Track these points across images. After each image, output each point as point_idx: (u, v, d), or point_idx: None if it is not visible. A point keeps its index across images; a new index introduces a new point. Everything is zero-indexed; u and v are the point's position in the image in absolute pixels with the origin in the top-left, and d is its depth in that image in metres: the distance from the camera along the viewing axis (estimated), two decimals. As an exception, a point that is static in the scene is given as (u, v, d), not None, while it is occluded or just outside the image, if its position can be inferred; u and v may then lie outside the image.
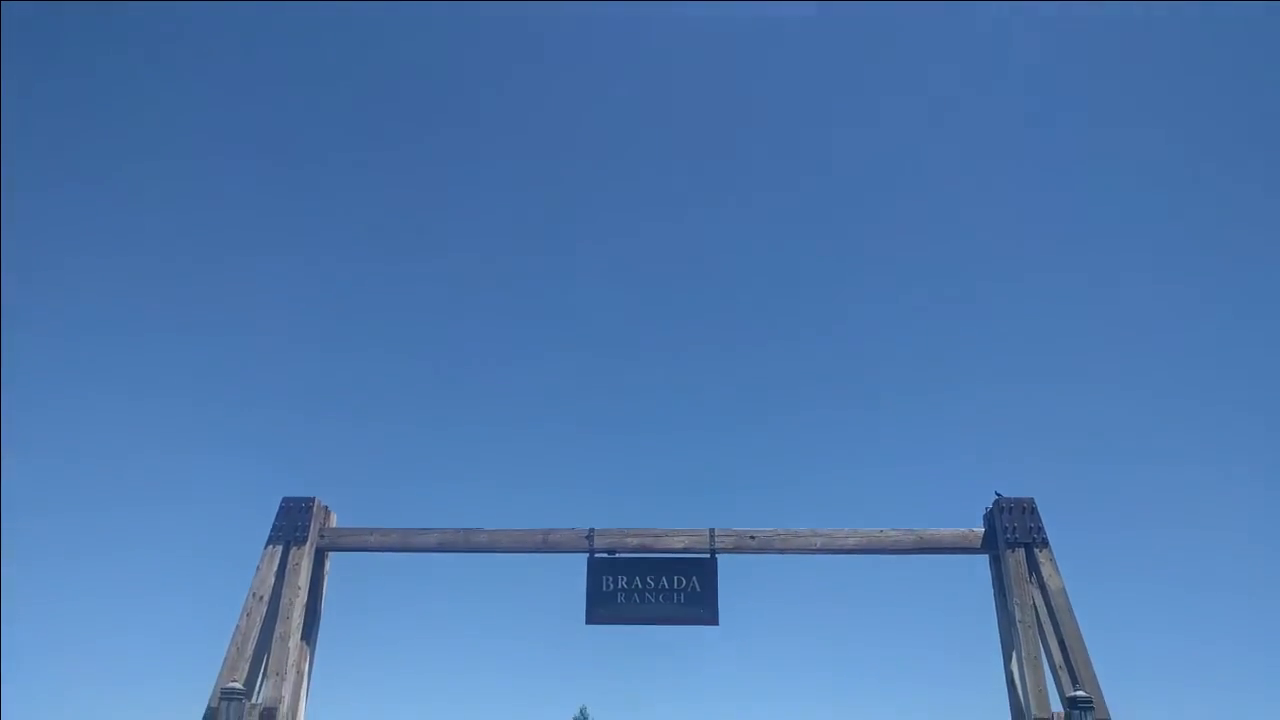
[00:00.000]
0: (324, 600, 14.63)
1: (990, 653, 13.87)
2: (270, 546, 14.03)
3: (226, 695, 12.49)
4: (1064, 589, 13.15)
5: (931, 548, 14.18)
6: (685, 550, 14.15)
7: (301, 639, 13.74)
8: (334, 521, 14.78)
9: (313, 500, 14.40)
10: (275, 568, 13.85)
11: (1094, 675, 12.49)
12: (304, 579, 13.84)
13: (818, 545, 14.15)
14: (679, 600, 13.86)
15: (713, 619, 13.83)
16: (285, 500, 14.46)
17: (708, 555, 14.05)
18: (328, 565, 14.81)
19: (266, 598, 13.65)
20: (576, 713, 61.23)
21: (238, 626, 13.39)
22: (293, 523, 14.20)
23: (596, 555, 14.09)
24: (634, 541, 14.25)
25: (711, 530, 14.19)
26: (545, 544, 14.39)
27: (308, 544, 14.04)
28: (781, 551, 14.28)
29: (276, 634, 13.41)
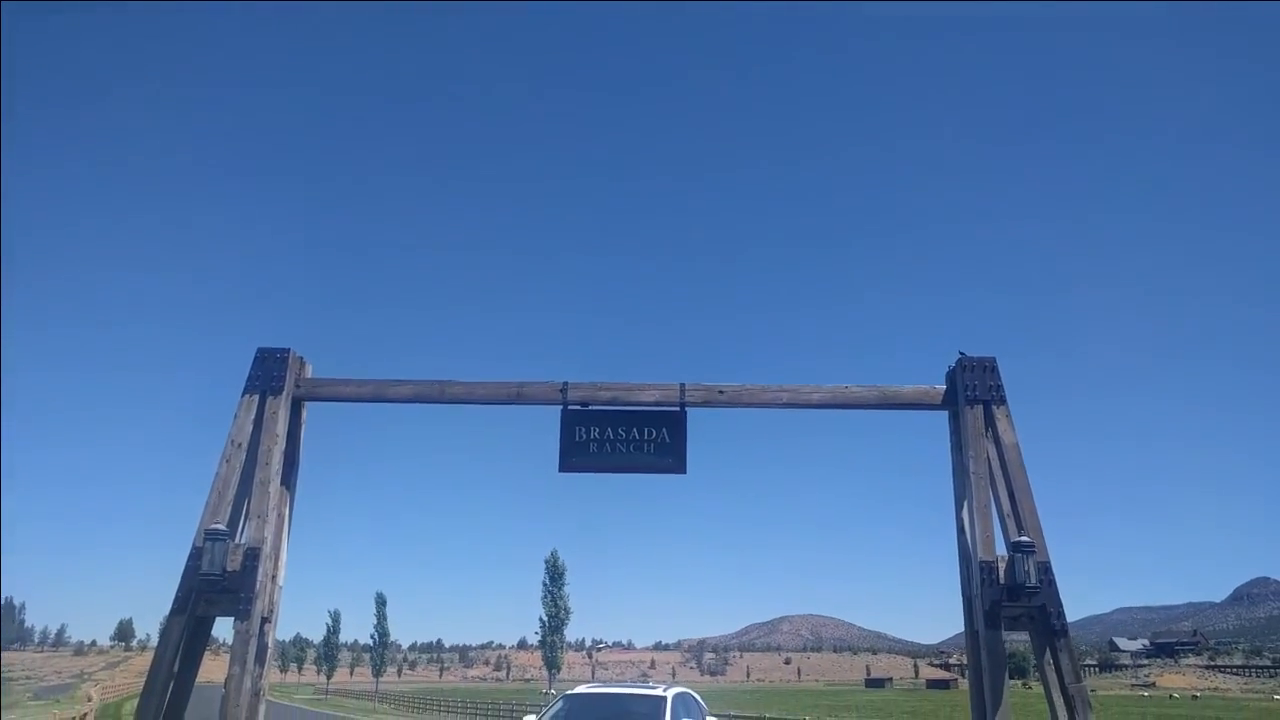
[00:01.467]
0: (301, 448, 14.96)
1: (943, 504, 14.62)
2: (247, 396, 14.22)
3: (211, 536, 12.93)
4: (1017, 444, 13.75)
5: (894, 403, 14.65)
6: (656, 403, 14.51)
7: (281, 484, 14.12)
8: (309, 372, 14.94)
9: (288, 351, 14.50)
10: (253, 416, 14.09)
11: (1038, 523, 13.26)
12: (281, 427, 14.10)
13: (784, 400, 14.56)
14: (649, 450, 14.32)
15: (680, 468, 14.35)
16: (260, 351, 14.55)
17: (677, 408, 14.43)
18: (304, 415, 15.07)
19: (245, 445, 13.94)
20: (548, 555, 64.25)
21: (218, 473, 13.73)
22: (268, 373, 14.34)
23: (570, 408, 14.41)
24: (606, 395, 14.57)
25: (682, 385, 14.53)
26: (519, 396, 14.68)
27: (284, 394, 14.23)
28: (749, 405, 14.69)
29: (256, 480, 13.78)
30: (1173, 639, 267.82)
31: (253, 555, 13.24)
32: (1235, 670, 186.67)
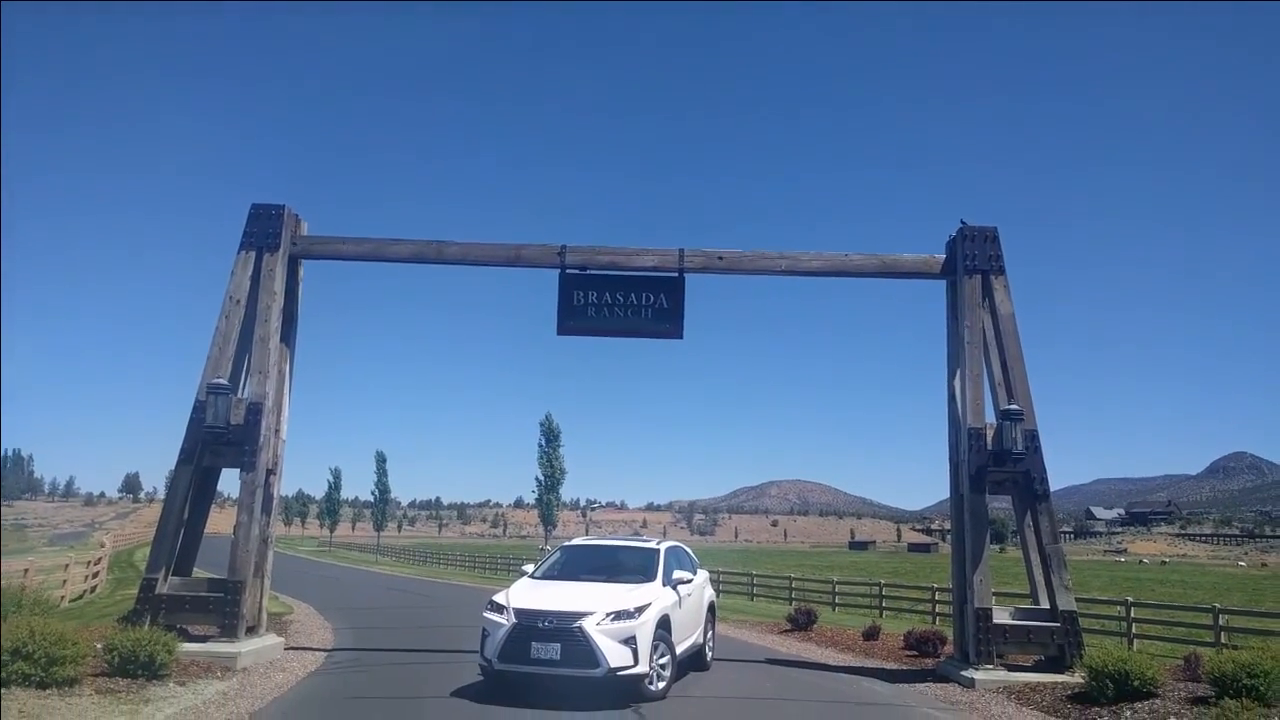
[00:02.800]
0: (300, 306, 14.99)
1: (935, 373, 14.79)
2: (243, 253, 14.12)
3: (213, 390, 13.11)
4: (1013, 314, 13.82)
5: (893, 272, 14.63)
6: (654, 269, 14.47)
7: (281, 341, 14.22)
8: (305, 230, 14.80)
9: (283, 208, 14.31)
10: (250, 273, 14.04)
11: (1028, 391, 13.48)
12: (279, 285, 14.07)
13: (783, 267, 14.52)
14: (646, 315, 14.36)
15: (678, 333, 14.44)
16: (255, 207, 14.36)
17: (676, 274, 14.39)
18: (301, 273, 15.02)
19: (243, 302, 13.95)
20: (543, 418, 65.42)
21: (218, 328, 13.80)
22: (264, 229, 14.20)
23: (568, 271, 14.36)
24: (604, 259, 14.50)
25: (681, 250, 14.44)
26: (517, 258, 14.61)
27: (280, 251, 14.14)
28: (748, 272, 14.66)
29: (256, 336, 13.86)
30: (1147, 509, 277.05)
31: (255, 410, 13.47)
32: (1205, 539, 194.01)
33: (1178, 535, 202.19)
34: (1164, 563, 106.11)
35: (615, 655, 9.81)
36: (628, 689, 10.00)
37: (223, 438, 13.22)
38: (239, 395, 13.68)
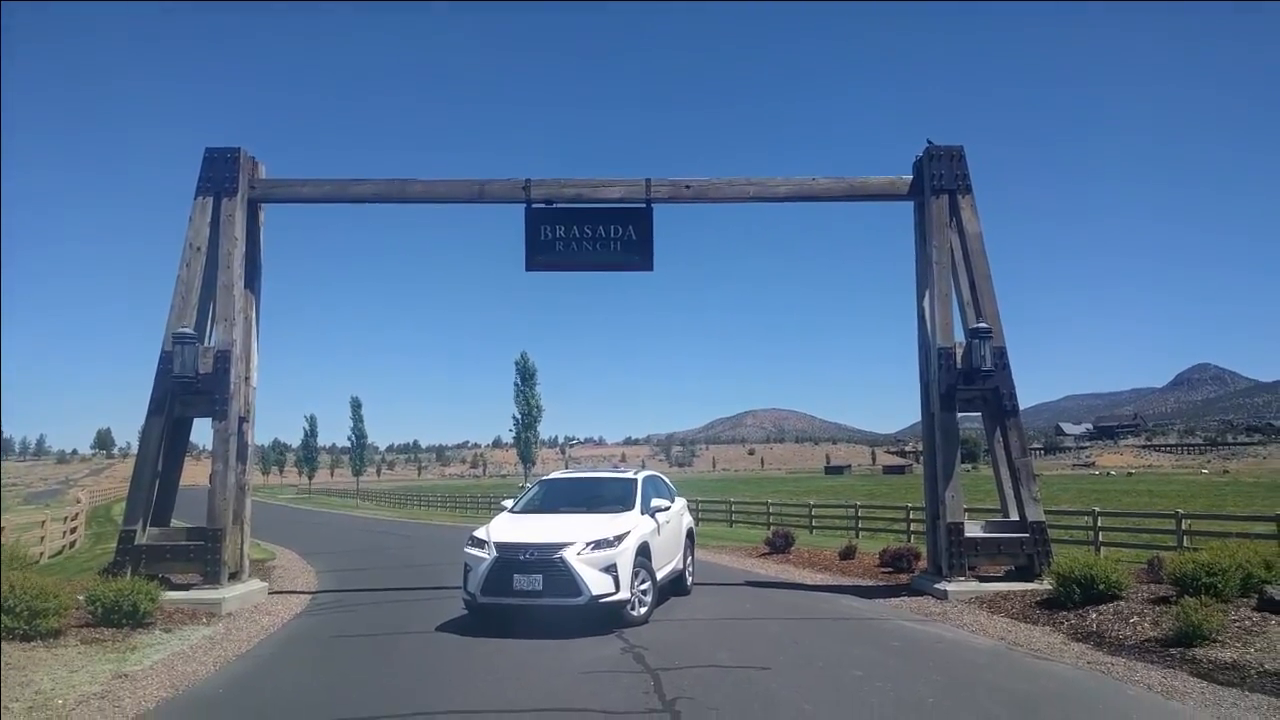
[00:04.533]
0: (263, 251, 14.74)
1: (906, 297, 14.88)
2: (200, 198, 13.82)
3: (179, 339, 12.94)
4: (980, 233, 13.88)
5: (861, 194, 14.59)
6: (621, 200, 14.33)
7: (245, 288, 14.01)
8: (263, 173, 14.47)
9: (238, 150, 13.97)
10: (209, 219, 13.75)
11: (996, 310, 13.61)
12: (240, 230, 13.81)
13: (751, 193, 14.43)
14: (615, 248, 14.26)
15: (647, 265, 14.37)
16: (209, 150, 14.00)
17: (643, 204, 14.27)
18: (262, 217, 14.74)
19: (204, 249, 13.69)
20: (517, 357, 65.43)
21: (179, 276, 13.55)
22: (220, 174, 13.87)
23: (534, 205, 14.18)
24: (571, 192, 14.33)
25: (647, 180, 14.29)
26: (482, 194, 14.41)
27: (239, 195, 13.84)
28: (716, 200, 14.56)
29: (219, 283, 13.64)
30: (1114, 422, 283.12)
31: (223, 358, 13.33)
32: (1170, 449, 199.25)
33: (1144, 447, 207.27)
34: (1130, 474, 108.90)
35: (597, 583, 9.98)
36: (610, 615, 10.21)
37: (192, 387, 13.10)
38: (206, 344, 13.51)
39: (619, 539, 10.41)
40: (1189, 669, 8.09)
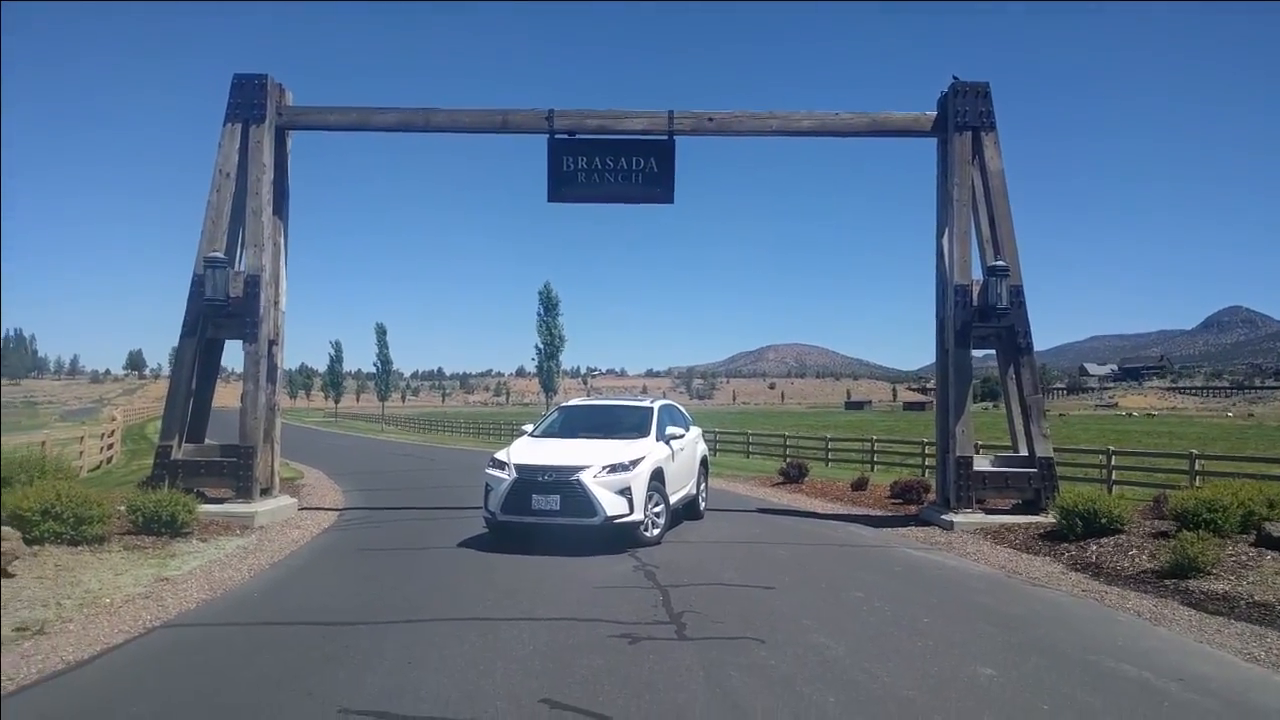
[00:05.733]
0: (290, 178, 14.95)
1: (928, 233, 14.89)
2: (229, 125, 14.00)
3: (210, 263, 13.27)
4: (1002, 171, 13.83)
5: (884, 130, 14.53)
6: (644, 132, 14.36)
7: (274, 214, 14.28)
8: (290, 100, 14.61)
9: (265, 77, 14.09)
10: (238, 145, 13.96)
11: (1015, 248, 13.64)
12: (268, 157, 14.02)
13: (774, 127, 14.41)
14: (637, 180, 14.35)
15: (669, 198, 14.47)
16: (237, 77, 14.14)
17: (665, 137, 14.29)
18: (289, 144, 14.91)
19: (233, 175, 13.93)
20: (541, 288, 65.64)
21: (210, 202, 13.83)
22: (248, 100, 14.03)
23: (557, 136, 14.25)
24: (593, 123, 14.37)
25: (670, 112, 14.29)
26: (505, 124, 14.48)
27: (266, 122, 14.01)
28: (738, 133, 14.55)
29: (248, 209, 13.91)
30: (1140, 364, 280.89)
31: (253, 282, 13.68)
32: (1195, 391, 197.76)
33: (1169, 389, 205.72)
34: (1151, 415, 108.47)
35: (611, 505, 10.39)
36: (624, 536, 10.64)
37: (223, 310, 13.49)
38: (236, 269, 13.85)
39: (634, 463, 10.78)
40: (1180, 599, 8.39)
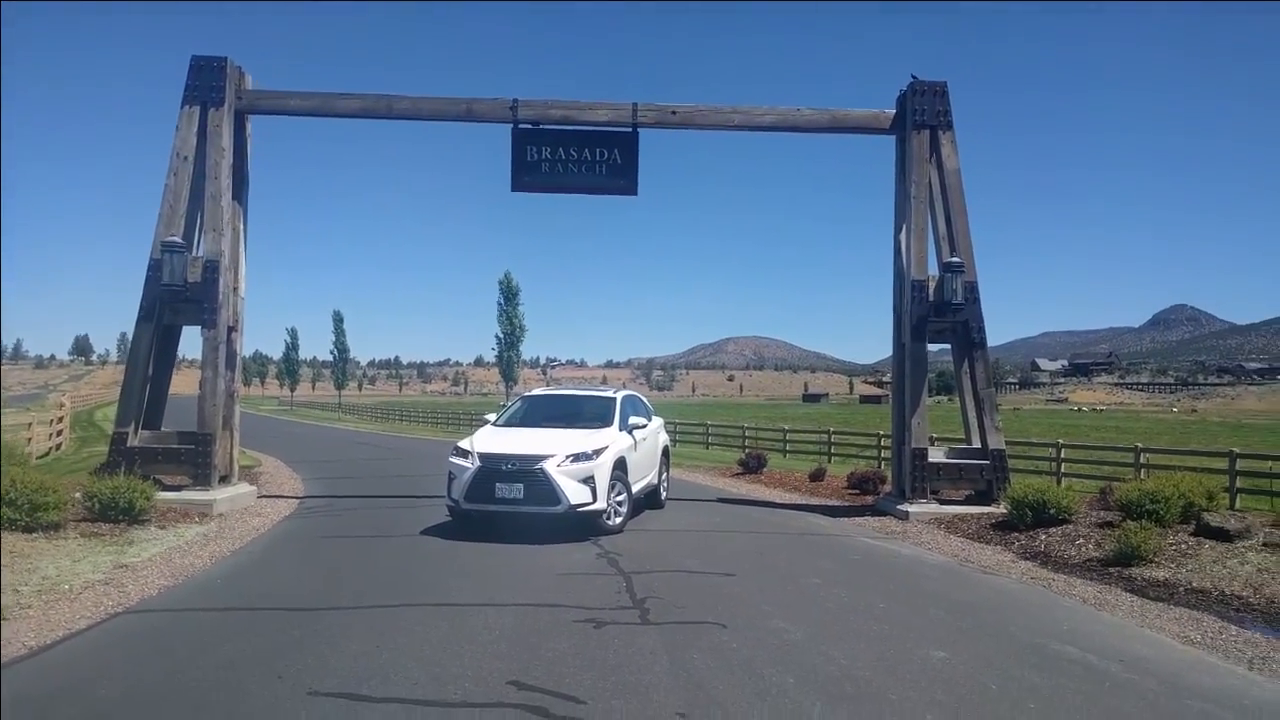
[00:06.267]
0: (250, 163, 14.78)
1: (886, 229, 15.19)
2: (187, 108, 13.81)
3: (168, 248, 13.11)
4: (958, 169, 14.14)
5: (844, 126, 14.77)
6: (608, 123, 14.44)
7: (233, 199, 14.12)
8: (250, 84, 14.44)
9: (224, 60, 13.92)
10: (195, 129, 13.78)
11: (970, 245, 13.97)
12: (227, 141, 13.86)
13: (736, 121, 14.58)
14: (601, 171, 14.44)
15: (632, 189, 14.56)
16: (195, 59, 13.95)
17: (629, 129, 14.39)
18: (249, 129, 14.74)
19: (191, 158, 13.75)
20: (501, 277, 65.33)
21: (167, 186, 13.64)
22: (206, 83, 13.85)
23: (521, 126, 14.28)
24: (558, 114, 14.42)
25: (634, 104, 14.39)
26: (469, 113, 14.47)
27: (225, 105, 13.84)
28: (701, 127, 14.69)
29: (207, 194, 13.75)
30: (1089, 360, 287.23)
31: (212, 267, 13.53)
32: (1142, 388, 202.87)
33: (1117, 385, 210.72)
34: (1099, 410, 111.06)
35: (575, 493, 10.49)
36: (587, 524, 10.75)
37: (181, 295, 13.33)
38: (194, 254, 13.68)
39: (597, 453, 10.89)
40: (1124, 585, 8.73)
